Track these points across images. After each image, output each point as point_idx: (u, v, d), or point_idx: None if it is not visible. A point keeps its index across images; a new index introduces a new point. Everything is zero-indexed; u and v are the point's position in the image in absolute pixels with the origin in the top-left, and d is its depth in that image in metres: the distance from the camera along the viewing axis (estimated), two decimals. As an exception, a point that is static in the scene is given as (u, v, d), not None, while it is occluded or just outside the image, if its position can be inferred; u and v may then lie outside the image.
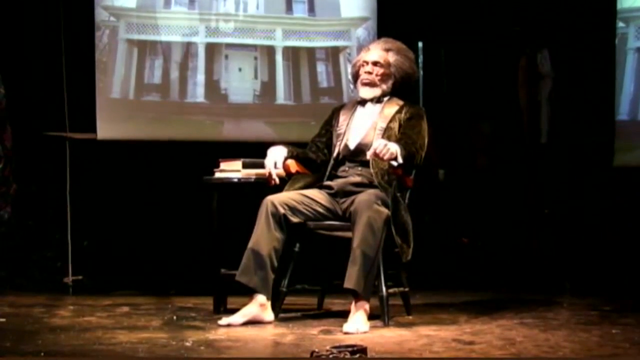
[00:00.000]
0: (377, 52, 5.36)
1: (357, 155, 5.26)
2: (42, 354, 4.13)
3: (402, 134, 5.19)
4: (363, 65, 5.36)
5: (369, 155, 5.00)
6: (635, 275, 6.94)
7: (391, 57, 5.34)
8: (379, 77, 5.32)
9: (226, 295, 5.43)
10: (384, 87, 5.34)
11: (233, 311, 5.11)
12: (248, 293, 5.06)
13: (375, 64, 5.33)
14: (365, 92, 5.35)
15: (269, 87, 7.47)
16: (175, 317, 5.25)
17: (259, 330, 4.86)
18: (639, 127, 7.48)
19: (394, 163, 4.96)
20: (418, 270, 5.48)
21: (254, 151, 5.49)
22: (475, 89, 7.86)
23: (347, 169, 5.28)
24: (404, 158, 4.96)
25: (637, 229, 7.30)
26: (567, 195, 7.66)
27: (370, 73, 5.33)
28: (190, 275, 6.76)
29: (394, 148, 4.92)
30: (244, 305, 5.05)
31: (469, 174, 7.91)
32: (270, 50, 7.47)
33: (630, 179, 7.44)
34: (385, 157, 4.91)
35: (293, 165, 5.30)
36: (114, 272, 7.00)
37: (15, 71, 6.79)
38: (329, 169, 5.33)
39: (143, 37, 7.21)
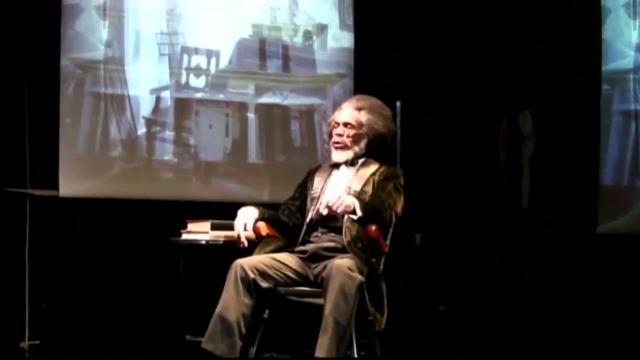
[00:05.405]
0: (348, 111, 5.24)
1: (329, 221, 5.12)
2: None
3: (372, 195, 5.09)
4: (335, 127, 5.25)
5: (322, 209, 4.93)
6: (618, 342, 6.81)
7: (363, 117, 5.22)
8: (350, 139, 5.21)
9: (191, 363, 5.30)
10: (356, 148, 5.23)
11: (197, 381, 4.95)
12: (214, 362, 4.90)
13: (345, 125, 5.21)
14: (337, 156, 5.25)
15: (240, 145, 7.34)
16: (135, 387, 5.10)
17: (224, 403, 4.69)
18: (624, 193, 7.48)
19: (353, 217, 4.87)
20: (393, 338, 5.35)
21: (224, 212, 5.41)
22: (455, 150, 7.81)
23: (319, 234, 5.16)
24: (364, 211, 4.86)
25: (621, 297, 7.22)
26: (549, 262, 7.59)
27: (341, 135, 5.22)
28: (154, 341, 6.53)
29: (350, 201, 4.85)
30: (209, 374, 4.89)
31: (447, 238, 7.83)
32: (242, 107, 7.34)
33: (615, 246, 7.39)
34: (339, 210, 4.82)
35: (264, 228, 5.17)
36: (73, 336, 6.77)
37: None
38: (302, 234, 5.20)
39: (110, 90, 7.03)
